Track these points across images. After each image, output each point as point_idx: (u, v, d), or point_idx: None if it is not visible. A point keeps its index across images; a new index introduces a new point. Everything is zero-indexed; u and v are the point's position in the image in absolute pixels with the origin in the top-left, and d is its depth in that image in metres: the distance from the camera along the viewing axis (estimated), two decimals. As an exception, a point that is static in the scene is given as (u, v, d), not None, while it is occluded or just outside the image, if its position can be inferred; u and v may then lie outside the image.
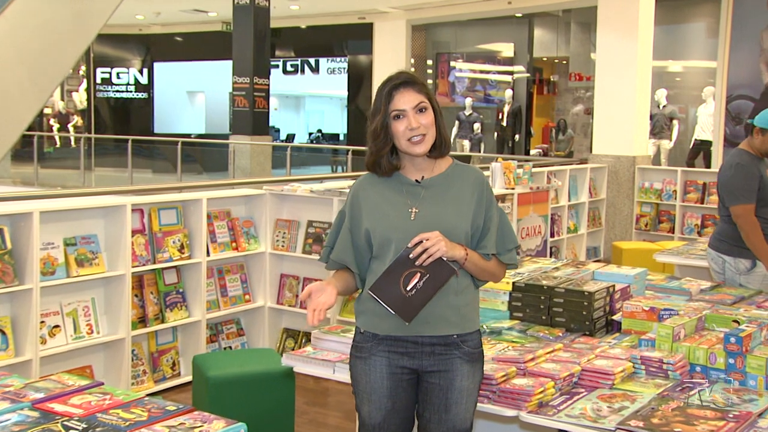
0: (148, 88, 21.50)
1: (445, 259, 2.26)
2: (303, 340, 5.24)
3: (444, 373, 2.33)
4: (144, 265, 4.55)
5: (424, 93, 2.34)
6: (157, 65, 21.43)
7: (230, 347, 5.18)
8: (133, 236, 4.46)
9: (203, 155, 15.65)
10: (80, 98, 21.28)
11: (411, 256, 2.25)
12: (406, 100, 2.31)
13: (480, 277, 2.40)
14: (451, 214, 2.34)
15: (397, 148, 2.36)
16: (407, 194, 2.37)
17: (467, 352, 2.34)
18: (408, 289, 2.26)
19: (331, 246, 2.47)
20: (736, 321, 2.87)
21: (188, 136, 18.63)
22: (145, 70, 21.42)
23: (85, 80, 21.22)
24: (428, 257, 2.24)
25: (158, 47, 20.94)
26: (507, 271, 2.55)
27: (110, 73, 21.25)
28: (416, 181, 2.39)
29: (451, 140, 2.29)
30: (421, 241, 2.24)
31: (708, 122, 11.13)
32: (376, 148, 2.35)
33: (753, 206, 4.06)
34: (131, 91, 21.47)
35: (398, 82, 2.33)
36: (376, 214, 2.36)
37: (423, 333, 2.32)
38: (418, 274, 2.26)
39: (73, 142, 18.88)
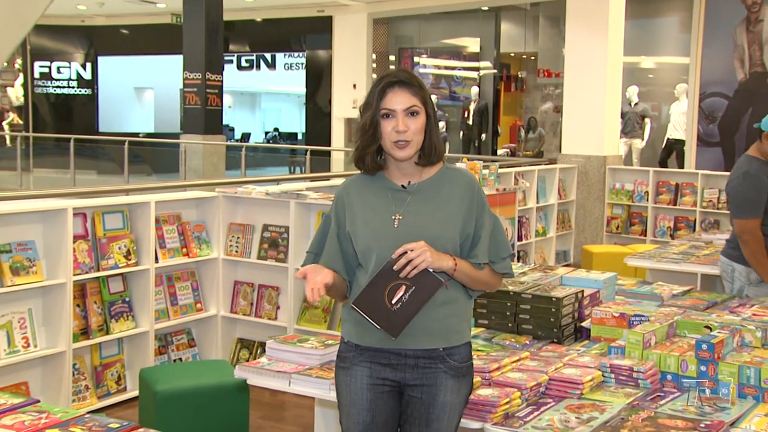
0: (92, 83, 21.22)
1: (431, 270, 2.24)
2: (258, 351, 5.22)
3: (427, 388, 2.33)
4: (87, 272, 4.49)
5: (419, 96, 2.32)
6: (101, 59, 21.16)
7: (180, 359, 5.13)
8: (74, 242, 4.39)
9: (152, 155, 15.50)
10: (16, 94, 20.90)
11: (395, 267, 2.23)
12: (398, 100, 2.30)
13: (472, 287, 2.38)
14: (438, 222, 2.32)
15: (382, 147, 2.35)
16: (392, 200, 2.36)
17: (453, 366, 2.33)
18: (393, 302, 2.24)
19: (315, 251, 2.45)
20: (708, 327, 2.93)
21: (136, 135, 18.42)
22: (89, 65, 21.13)
23: (21, 75, 20.85)
24: (413, 269, 2.22)
25: (102, 40, 20.67)
26: (504, 280, 2.52)
27: (50, 68, 20.92)
28: (402, 186, 2.38)
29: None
30: (406, 252, 2.23)
31: (681, 120, 11.32)
32: (363, 144, 2.34)
33: (759, 221, 4.03)
34: (73, 87, 21.17)
35: (394, 80, 2.32)
36: (359, 220, 2.36)
37: (406, 346, 2.31)
38: (404, 287, 2.23)
39: (8, 141, 18.54)
